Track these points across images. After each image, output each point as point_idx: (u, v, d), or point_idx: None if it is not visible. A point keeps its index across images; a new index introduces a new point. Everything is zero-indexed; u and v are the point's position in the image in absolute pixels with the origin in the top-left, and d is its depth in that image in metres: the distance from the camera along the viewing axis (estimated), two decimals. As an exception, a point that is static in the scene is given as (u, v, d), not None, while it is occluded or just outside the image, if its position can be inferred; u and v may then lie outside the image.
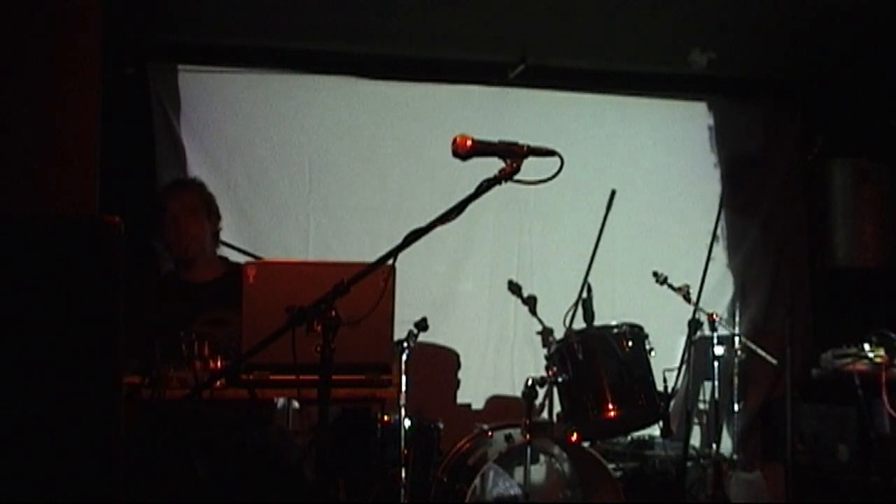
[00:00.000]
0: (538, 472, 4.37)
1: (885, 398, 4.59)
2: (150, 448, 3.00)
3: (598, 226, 4.50)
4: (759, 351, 4.82)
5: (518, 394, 3.91)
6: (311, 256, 5.06)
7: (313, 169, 5.19)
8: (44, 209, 3.16)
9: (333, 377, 2.43)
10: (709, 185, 5.69)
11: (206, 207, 3.75)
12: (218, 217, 3.80)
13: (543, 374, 3.95)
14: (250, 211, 5.00)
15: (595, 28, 4.95)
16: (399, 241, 2.37)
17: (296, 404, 3.37)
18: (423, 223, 2.34)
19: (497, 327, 5.38)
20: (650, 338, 4.05)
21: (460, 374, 5.30)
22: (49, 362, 2.08)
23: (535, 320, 4.21)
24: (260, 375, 2.87)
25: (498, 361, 5.39)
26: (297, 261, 4.55)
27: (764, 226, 5.75)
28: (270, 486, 3.31)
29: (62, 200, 3.27)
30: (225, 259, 3.86)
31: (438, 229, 2.34)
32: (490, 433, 4.12)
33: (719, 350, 4.46)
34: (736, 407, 5.03)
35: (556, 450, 4.23)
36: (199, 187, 3.80)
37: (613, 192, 4.52)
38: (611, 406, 3.89)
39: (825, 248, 5.44)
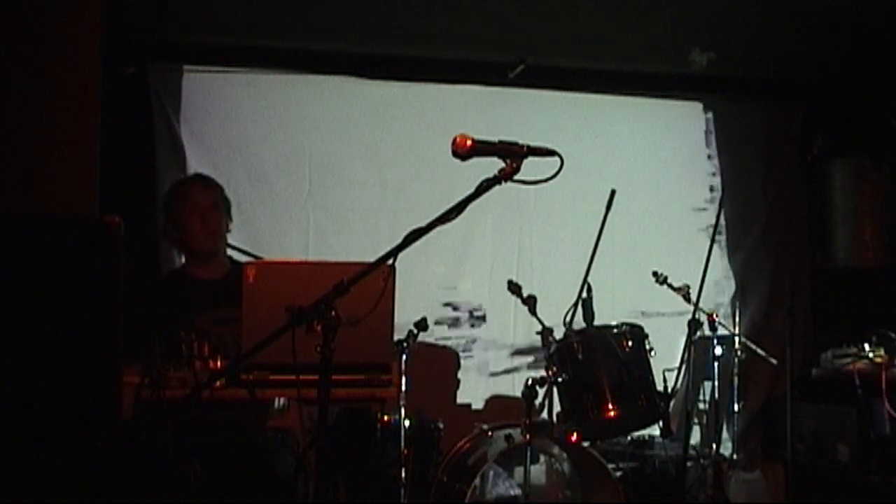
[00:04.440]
0: (538, 472, 4.37)
1: (885, 398, 4.59)
2: (149, 448, 2.99)
3: (598, 226, 4.50)
4: (759, 351, 4.81)
5: (518, 394, 3.91)
6: (311, 256, 5.06)
7: (313, 169, 5.18)
8: (44, 209, 3.16)
9: (333, 377, 2.44)
10: (708, 185, 5.70)
11: (226, 206, 3.82)
12: (230, 218, 3.85)
13: (543, 374, 3.95)
14: (250, 211, 4.99)
15: (595, 28, 4.95)
16: (399, 241, 2.37)
17: (295, 404, 3.35)
18: (423, 223, 2.34)
19: (497, 327, 5.38)
20: (650, 338, 4.05)
21: (460, 374, 5.30)
22: (49, 362, 2.08)
23: (534, 320, 4.20)
24: (260, 375, 2.87)
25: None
26: (297, 261, 4.55)
27: (764, 226, 5.75)
28: (262, 494, 3.31)
29: (62, 200, 3.27)
30: (230, 258, 3.88)
31: (438, 229, 2.34)
32: (490, 433, 4.12)
33: (719, 350, 4.46)
34: (736, 407, 5.02)
35: (556, 450, 4.23)
36: (220, 186, 3.86)
37: (613, 192, 4.52)
38: (611, 406, 3.88)
39: (825, 248, 5.44)
